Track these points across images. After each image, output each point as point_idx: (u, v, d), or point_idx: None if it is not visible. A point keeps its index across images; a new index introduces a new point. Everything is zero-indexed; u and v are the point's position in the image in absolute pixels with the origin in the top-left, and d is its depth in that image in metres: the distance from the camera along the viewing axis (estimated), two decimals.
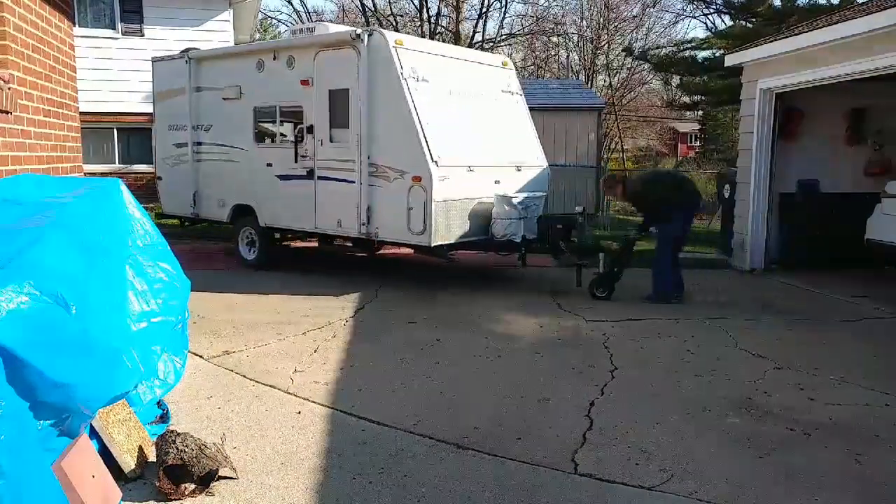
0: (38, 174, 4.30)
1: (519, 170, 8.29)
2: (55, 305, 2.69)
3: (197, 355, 5.10)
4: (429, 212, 7.14)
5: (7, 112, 4.25)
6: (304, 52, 8.12)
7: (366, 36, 7.45)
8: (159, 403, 3.84)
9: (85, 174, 6.39)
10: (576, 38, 30.91)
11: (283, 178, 8.47)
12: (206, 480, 3.10)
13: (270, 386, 4.55)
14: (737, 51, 10.10)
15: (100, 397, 2.93)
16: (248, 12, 15.73)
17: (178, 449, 3.08)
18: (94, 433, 3.09)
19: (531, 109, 13.83)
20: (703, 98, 23.25)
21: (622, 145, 29.47)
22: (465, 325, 6.27)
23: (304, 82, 8.06)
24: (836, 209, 9.12)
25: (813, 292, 8.09)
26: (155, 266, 3.63)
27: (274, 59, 8.44)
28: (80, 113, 6.22)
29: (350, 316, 6.49)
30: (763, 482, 3.35)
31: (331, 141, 7.96)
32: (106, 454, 3.10)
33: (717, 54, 19.54)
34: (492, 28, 34.17)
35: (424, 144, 7.11)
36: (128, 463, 3.16)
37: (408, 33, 28.87)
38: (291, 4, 50.81)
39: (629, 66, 30.03)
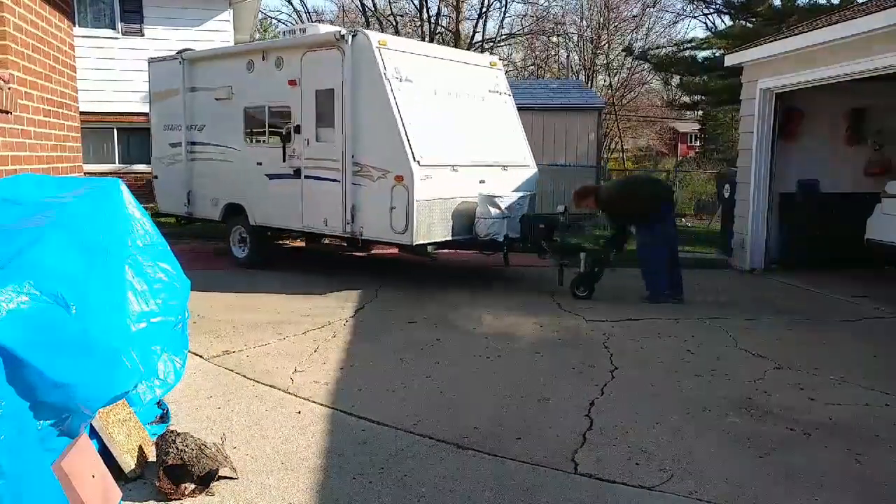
0: (38, 174, 4.30)
1: (505, 169, 8.35)
2: (55, 305, 2.69)
3: (197, 355, 5.10)
4: (410, 211, 7.20)
5: (7, 112, 4.25)
6: (292, 52, 8.24)
7: (350, 36, 7.53)
8: (159, 403, 3.83)
9: (85, 174, 6.39)
10: (576, 38, 30.95)
11: (272, 177, 8.57)
12: (206, 480, 3.10)
13: (270, 386, 4.55)
14: (737, 51, 10.10)
15: (100, 397, 2.93)
16: (248, 12, 15.73)
17: (178, 449, 3.08)
18: (94, 433, 3.09)
19: (531, 109, 14.03)
20: (703, 98, 23.26)
21: (622, 145, 29.49)
22: (465, 325, 6.27)
23: (292, 82, 8.18)
24: (836, 209, 9.12)
25: (813, 292, 8.09)
26: (155, 266, 3.63)
27: (263, 59, 8.56)
28: (81, 113, 6.22)
29: (350, 316, 6.49)
30: (763, 482, 3.35)
31: (317, 140, 8.07)
32: (106, 454, 3.10)
33: (717, 54, 19.55)
34: (492, 28, 34.16)
35: (406, 144, 7.19)
36: (128, 463, 3.16)
37: (408, 33, 28.94)
38: (291, 4, 50.78)
39: (629, 66, 30.06)
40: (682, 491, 3.25)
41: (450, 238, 7.70)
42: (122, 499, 2.99)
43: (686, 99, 27.02)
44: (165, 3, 13.73)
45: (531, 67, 31.77)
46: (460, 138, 7.97)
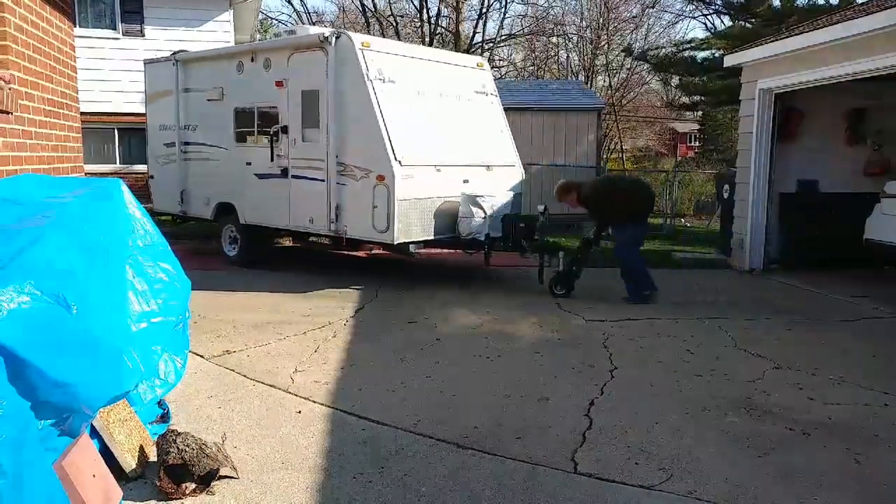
0: (38, 174, 4.30)
1: (490, 170, 8.42)
2: (56, 305, 2.70)
3: (198, 355, 5.10)
4: (392, 210, 7.29)
5: (7, 112, 4.25)
6: (279, 54, 8.39)
7: (333, 38, 7.64)
8: (160, 403, 3.84)
9: (86, 174, 6.40)
10: (575, 39, 30.92)
11: (260, 176, 8.71)
12: (206, 480, 3.11)
13: (271, 385, 4.55)
14: (736, 51, 10.11)
15: (101, 397, 2.93)
16: (248, 12, 15.73)
17: (178, 448, 3.09)
18: (94, 432, 3.10)
19: (531, 109, 14.05)
20: (703, 98, 23.26)
21: (622, 145, 29.47)
22: (465, 324, 6.28)
23: (279, 83, 8.32)
24: (836, 209, 9.12)
25: (812, 292, 8.10)
26: (155, 266, 3.63)
27: (252, 61, 8.72)
28: (81, 113, 6.23)
29: (350, 316, 6.50)
30: (762, 482, 3.36)
31: (303, 140, 8.20)
32: (107, 453, 3.10)
33: (717, 55, 19.55)
34: (492, 28, 34.18)
35: (388, 144, 7.29)
36: (129, 462, 3.16)
37: (408, 34, 28.95)
38: (291, 4, 50.79)
39: (629, 66, 30.03)
40: (681, 491, 3.26)
41: (432, 237, 7.81)
42: (123, 498, 2.99)
43: (685, 99, 27.02)
44: (166, 3, 13.73)
45: (531, 68, 31.76)
46: (444, 138, 8.06)
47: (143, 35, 13.73)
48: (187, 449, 3.10)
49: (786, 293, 8.10)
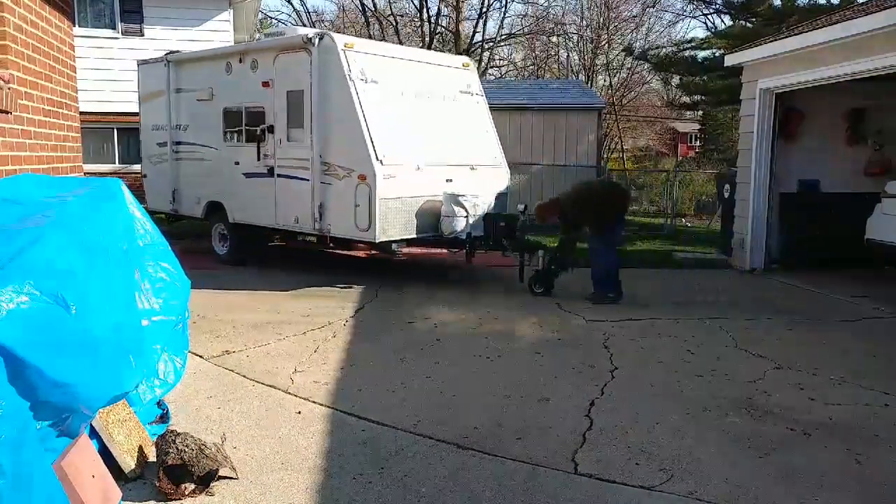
0: (38, 174, 4.29)
1: (474, 169, 8.48)
2: (55, 305, 2.69)
3: (197, 355, 5.10)
4: (373, 209, 7.37)
5: (7, 112, 4.25)
6: (266, 54, 8.52)
7: (317, 39, 7.75)
8: (159, 403, 3.83)
9: (85, 174, 6.39)
10: (576, 38, 30.90)
11: (248, 175, 8.83)
12: (206, 480, 3.10)
13: (270, 386, 4.55)
14: (737, 51, 10.11)
15: (100, 397, 2.93)
16: (248, 12, 15.71)
17: (178, 449, 3.08)
18: (94, 433, 3.09)
19: (531, 109, 14.05)
20: (703, 98, 23.23)
21: (622, 145, 29.46)
22: (464, 324, 6.27)
23: (265, 84, 8.45)
24: (836, 209, 9.12)
25: (813, 292, 8.09)
26: (155, 266, 3.63)
27: (240, 62, 8.85)
28: (81, 113, 6.22)
29: (350, 316, 6.49)
30: (763, 482, 3.35)
31: (288, 140, 8.31)
32: (106, 454, 3.10)
33: (717, 54, 19.53)
34: (492, 28, 34.18)
35: (369, 144, 7.37)
36: (128, 463, 3.16)
37: (408, 33, 28.93)
38: (291, 4, 50.79)
39: (629, 66, 30.00)
40: (682, 491, 3.25)
41: (414, 236, 7.89)
42: (123, 499, 2.99)
43: (686, 99, 26.96)
44: (165, 2, 13.71)
45: (531, 67, 31.75)
46: (427, 138, 8.14)
47: (143, 34, 13.71)
48: (186, 449, 3.09)
49: (786, 293, 8.09)
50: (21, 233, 2.89)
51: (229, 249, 9.30)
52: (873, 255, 8.78)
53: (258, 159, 8.62)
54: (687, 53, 22.63)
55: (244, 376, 4.72)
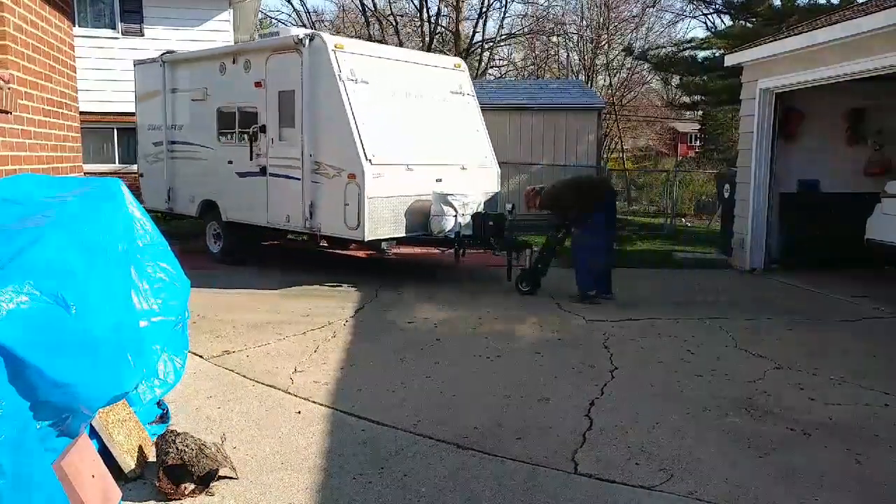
0: (38, 174, 4.29)
1: (464, 169, 8.57)
2: (55, 305, 2.69)
3: (197, 355, 5.10)
4: (362, 208, 7.46)
5: (7, 112, 4.25)
6: (258, 55, 8.66)
7: (307, 40, 7.85)
8: (159, 403, 3.83)
9: (85, 174, 6.39)
10: (576, 38, 30.88)
11: (241, 175, 8.93)
12: (206, 480, 3.10)
13: (270, 386, 4.55)
14: (737, 51, 10.11)
15: (100, 397, 2.93)
16: (248, 12, 15.71)
17: (177, 449, 3.08)
18: (93, 433, 3.09)
19: (531, 109, 14.04)
20: (703, 98, 23.23)
21: (622, 145, 29.45)
22: (464, 324, 6.27)
23: (258, 84, 8.56)
24: (836, 209, 9.12)
25: (813, 292, 8.09)
26: (155, 266, 3.63)
27: (233, 62, 8.97)
28: (81, 113, 6.22)
29: (350, 316, 6.49)
30: (763, 482, 3.35)
31: (280, 140, 8.42)
32: (106, 454, 3.10)
33: (717, 54, 19.53)
34: (492, 28, 34.20)
35: (359, 143, 7.46)
36: (128, 463, 3.16)
37: (408, 33, 28.92)
38: (291, 4, 50.80)
39: (629, 66, 30.00)
40: (682, 491, 3.25)
41: (403, 235, 7.98)
42: (122, 499, 2.99)
43: (686, 99, 26.96)
44: (165, 2, 13.71)
45: (531, 67, 31.74)
46: (417, 138, 8.22)
47: (143, 34, 13.70)
48: (186, 449, 3.09)
49: (786, 293, 8.09)
50: (21, 233, 2.89)
51: (223, 248, 9.42)
52: (873, 255, 8.77)
53: (251, 158, 8.73)
54: (687, 53, 22.64)
55: (244, 376, 4.72)
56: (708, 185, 18.67)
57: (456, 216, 7.91)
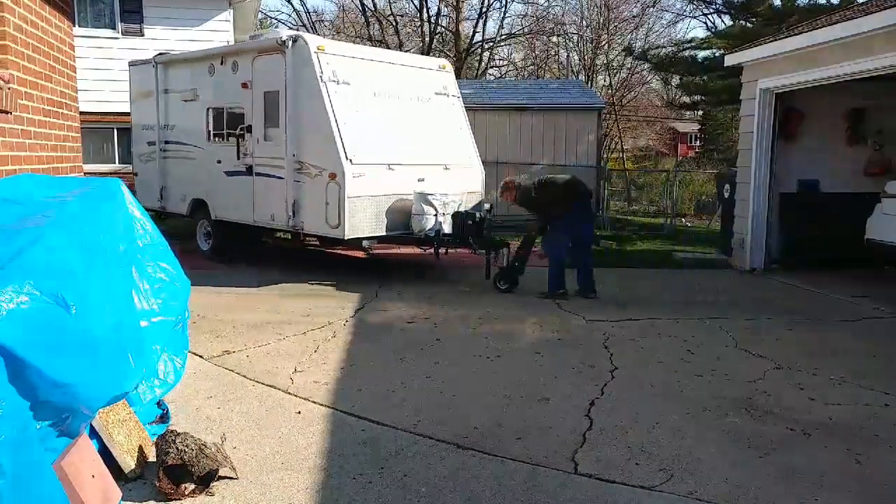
0: (38, 174, 4.29)
1: (447, 169, 8.66)
2: (55, 305, 2.69)
3: (197, 355, 5.10)
4: (342, 207, 7.58)
5: (7, 112, 4.25)
6: (245, 56, 8.81)
7: (290, 42, 7.97)
8: (159, 403, 3.83)
9: (85, 174, 6.39)
10: (576, 38, 30.89)
11: (229, 174, 9.09)
12: (206, 480, 3.10)
13: (270, 386, 4.55)
14: (737, 51, 10.11)
15: (100, 397, 2.93)
16: (248, 12, 15.71)
17: (178, 449, 3.08)
18: (93, 433, 3.09)
19: (531, 109, 14.05)
20: (703, 98, 23.25)
21: (622, 145, 29.45)
22: (464, 324, 6.27)
23: (244, 85, 8.73)
24: (836, 209, 9.12)
25: (813, 292, 8.10)
26: (155, 266, 3.63)
27: (222, 63, 9.13)
28: (81, 113, 6.22)
29: (350, 316, 6.49)
30: (763, 482, 3.35)
31: (265, 140, 8.56)
32: (106, 454, 3.10)
33: (717, 54, 19.55)
34: (492, 28, 34.18)
35: (339, 143, 7.58)
36: (128, 463, 3.16)
37: (408, 33, 28.90)
38: (291, 4, 50.82)
39: (629, 66, 30.01)
40: (682, 491, 3.25)
41: (384, 233, 8.07)
42: (123, 499, 2.99)
43: (686, 99, 27.00)
44: (165, 2, 13.71)
45: (531, 67, 31.75)
46: (399, 138, 8.32)
47: (143, 34, 13.70)
48: (186, 449, 3.09)
49: (786, 293, 8.09)
50: (21, 233, 2.89)
51: (212, 246, 9.58)
52: (873, 255, 8.78)
53: (238, 158, 8.89)
54: (687, 53, 22.67)
55: (244, 376, 4.72)
56: (708, 185, 18.68)
57: (436, 215, 8.01)
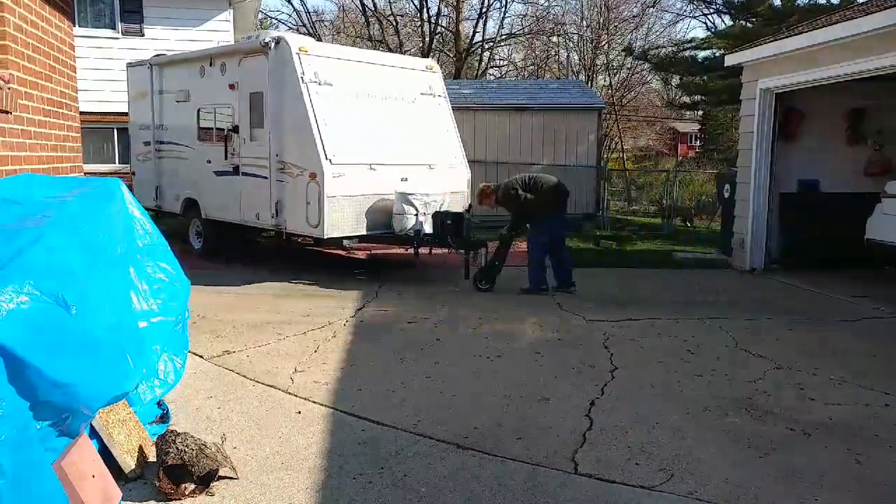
0: (38, 174, 4.29)
1: (432, 168, 8.72)
2: (55, 305, 2.69)
3: (197, 355, 5.10)
4: (322, 206, 7.69)
5: (7, 112, 4.25)
6: (232, 58, 8.98)
7: (273, 44, 8.08)
8: (159, 403, 3.83)
9: (85, 174, 6.39)
10: (576, 38, 30.89)
11: (218, 174, 9.25)
12: (206, 480, 3.10)
13: (270, 386, 4.55)
14: (737, 51, 10.11)
15: (100, 397, 2.93)
16: (248, 12, 15.71)
17: (178, 449, 3.08)
18: (94, 433, 3.09)
19: (532, 109, 14.05)
20: (703, 98, 23.26)
21: (622, 145, 29.45)
22: (464, 324, 6.27)
23: (232, 86, 8.89)
24: (836, 209, 9.12)
25: (813, 292, 8.09)
26: (155, 266, 3.63)
27: (211, 65, 9.29)
28: (81, 113, 6.22)
29: (350, 316, 6.49)
30: (763, 482, 3.35)
31: (251, 140, 8.70)
32: (106, 454, 3.10)
33: (717, 54, 19.55)
34: (492, 28, 34.16)
35: (319, 143, 7.68)
36: (128, 463, 3.16)
37: (408, 33, 28.89)
38: (291, 4, 50.83)
39: (629, 65, 30.00)
40: (682, 491, 3.25)
41: (364, 233, 8.14)
42: (123, 499, 2.99)
43: (686, 99, 27.00)
44: (165, 2, 13.71)
45: (531, 67, 31.75)
46: (382, 138, 8.39)
47: (143, 34, 13.71)
48: (186, 449, 3.09)
49: (786, 293, 8.09)
50: (21, 233, 2.89)
51: (204, 244, 9.74)
52: (873, 255, 8.78)
53: (225, 158, 9.05)
54: (687, 53, 22.68)
55: (244, 376, 4.72)
56: (708, 185, 18.68)
57: (417, 215, 8.07)
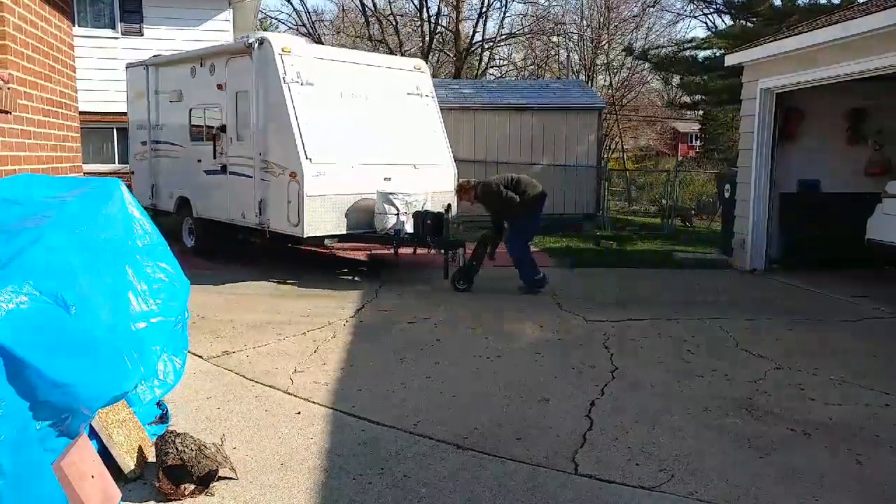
0: (37, 174, 4.29)
1: (416, 168, 8.76)
2: (55, 305, 2.69)
3: (197, 355, 5.09)
4: (302, 205, 7.76)
5: (7, 112, 4.25)
6: (220, 59, 9.10)
7: (256, 44, 8.16)
8: (159, 404, 3.83)
9: (85, 174, 6.39)
10: (576, 38, 30.88)
11: (208, 173, 9.38)
12: (205, 481, 3.10)
13: (270, 386, 4.54)
14: (737, 51, 10.10)
15: (100, 397, 2.93)
16: (248, 12, 15.70)
17: (177, 449, 3.08)
18: (93, 433, 3.09)
19: (532, 109, 14.05)
20: (704, 98, 23.27)
21: (622, 145, 29.43)
22: (464, 324, 6.27)
23: (220, 86, 9.01)
24: (837, 209, 9.11)
25: (813, 292, 8.09)
26: (154, 266, 3.62)
27: (201, 65, 9.41)
28: (80, 113, 6.22)
29: (350, 316, 6.49)
30: (763, 482, 3.35)
31: (237, 139, 8.83)
32: (105, 454, 3.09)
33: (718, 54, 19.56)
34: (492, 28, 34.17)
35: (300, 143, 7.75)
36: (127, 463, 3.15)
37: (408, 33, 28.88)
38: (291, 4, 50.82)
39: (630, 65, 30.00)
40: (682, 491, 3.25)
41: (344, 232, 8.19)
42: (122, 499, 2.99)
43: (686, 99, 27.02)
44: (165, 2, 13.71)
45: (531, 67, 31.74)
46: (366, 138, 8.45)
47: (143, 34, 13.70)
48: (186, 450, 3.09)
49: (787, 293, 8.09)
50: (21, 233, 2.88)
51: (196, 241, 9.86)
52: (873, 255, 8.77)
53: (214, 157, 9.16)
54: (687, 53, 22.68)
55: (244, 377, 4.72)
56: (708, 185, 18.68)
57: (398, 214, 8.10)
